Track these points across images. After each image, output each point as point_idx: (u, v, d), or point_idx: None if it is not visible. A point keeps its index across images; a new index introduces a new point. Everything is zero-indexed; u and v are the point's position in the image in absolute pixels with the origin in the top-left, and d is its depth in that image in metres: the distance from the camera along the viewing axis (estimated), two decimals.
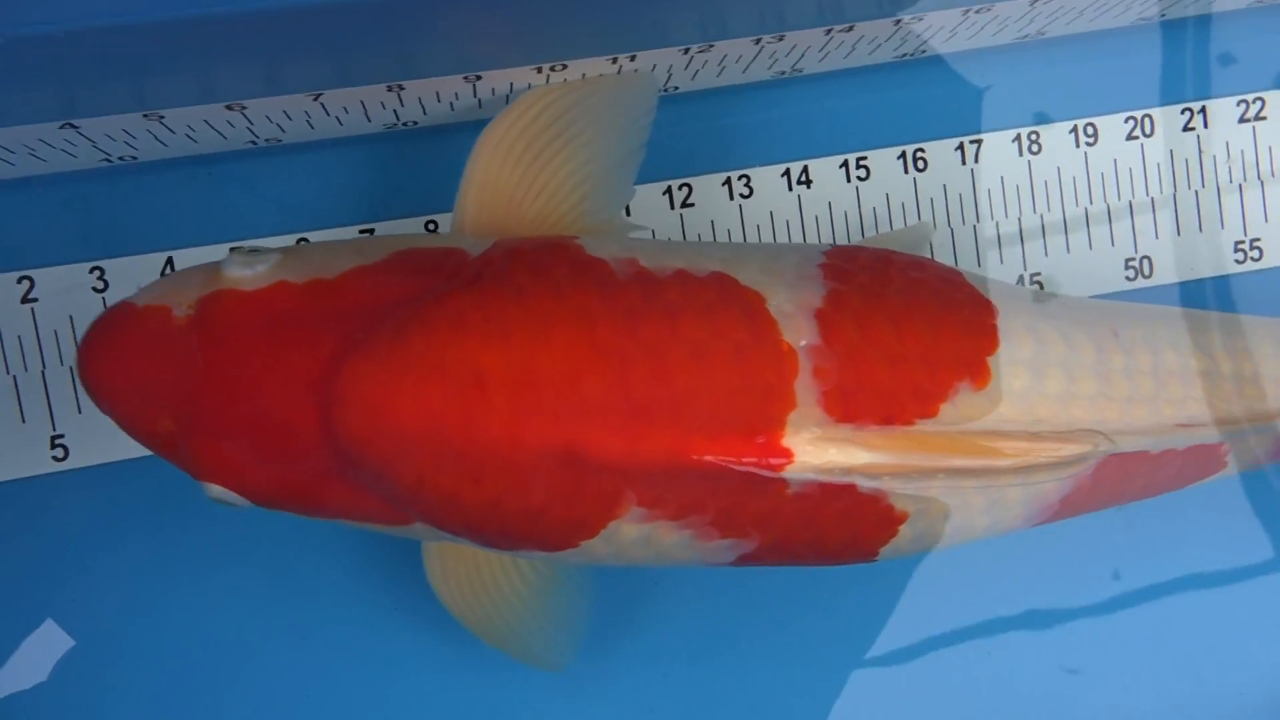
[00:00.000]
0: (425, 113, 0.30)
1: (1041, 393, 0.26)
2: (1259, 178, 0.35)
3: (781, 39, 0.28)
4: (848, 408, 0.25)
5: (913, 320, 0.26)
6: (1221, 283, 0.36)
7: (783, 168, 0.35)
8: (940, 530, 0.27)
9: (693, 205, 0.34)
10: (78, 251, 0.33)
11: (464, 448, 0.24)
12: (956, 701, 0.36)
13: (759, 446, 0.24)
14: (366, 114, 0.29)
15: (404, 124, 0.31)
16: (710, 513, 0.25)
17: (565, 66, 0.27)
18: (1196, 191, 0.35)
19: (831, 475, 0.25)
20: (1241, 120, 0.35)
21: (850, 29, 0.29)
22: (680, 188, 0.35)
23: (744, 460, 0.24)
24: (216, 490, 0.26)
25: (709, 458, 0.24)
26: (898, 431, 0.25)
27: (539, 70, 0.27)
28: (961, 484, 0.26)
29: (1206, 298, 0.36)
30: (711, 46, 0.28)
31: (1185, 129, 0.35)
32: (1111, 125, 0.35)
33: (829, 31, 0.29)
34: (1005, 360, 0.26)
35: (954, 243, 0.35)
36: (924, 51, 0.33)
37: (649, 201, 0.34)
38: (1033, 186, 0.35)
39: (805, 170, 0.35)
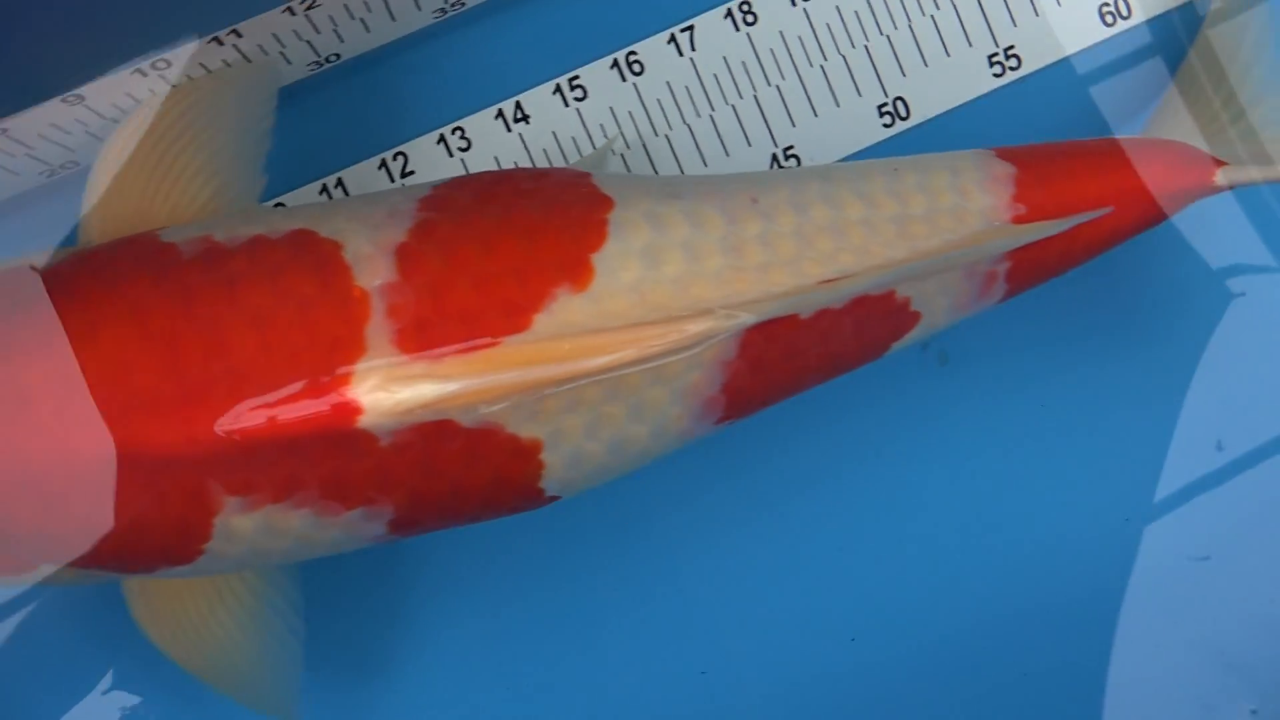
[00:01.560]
0: (73, 150, 0.28)
1: (657, 279, 0.25)
2: None
3: None
4: (425, 341, 0.23)
5: (509, 235, 0.25)
6: (989, 100, 0.34)
7: (495, 109, 0.33)
8: (594, 450, 0.25)
9: (413, 173, 0.33)
10: None
11: (27, 475, 0.23)
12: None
13: (324, 405, 0.23)
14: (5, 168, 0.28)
15: (64, 166, 0.30)
16: (314, 485, 0.24)
17: (169, 64, 0.26)
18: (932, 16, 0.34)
19: (414, 416, 0.23)
20: None
21: None
22: (395, 157, 0.33)
23: (311, 422, 0.23)
24: None
25: (272, 427, 0.23)
26: (477, 355, 0.23)
27: (143, 74, 0.26)
28: (575, 392, 0.24)
29: (978, 120, 0.34)
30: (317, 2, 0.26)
31: None
32: None
33: None
34: (613, 254, 0.25)
35: (695, 138, 0.33)
36: None
37: (369, 180, 0.33)
38: (760, 60, 0.34)
39: (518, 105, 0.33)
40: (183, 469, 0.23)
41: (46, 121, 0.26)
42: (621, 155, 0.33)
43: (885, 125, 0.34)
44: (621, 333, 0.24)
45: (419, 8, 0.29)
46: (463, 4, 0.31)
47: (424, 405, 0.23)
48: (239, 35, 0.26)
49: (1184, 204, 0.29)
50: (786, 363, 0.26)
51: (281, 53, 0.28)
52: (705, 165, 0.34)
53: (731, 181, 0.27)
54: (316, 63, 0.30)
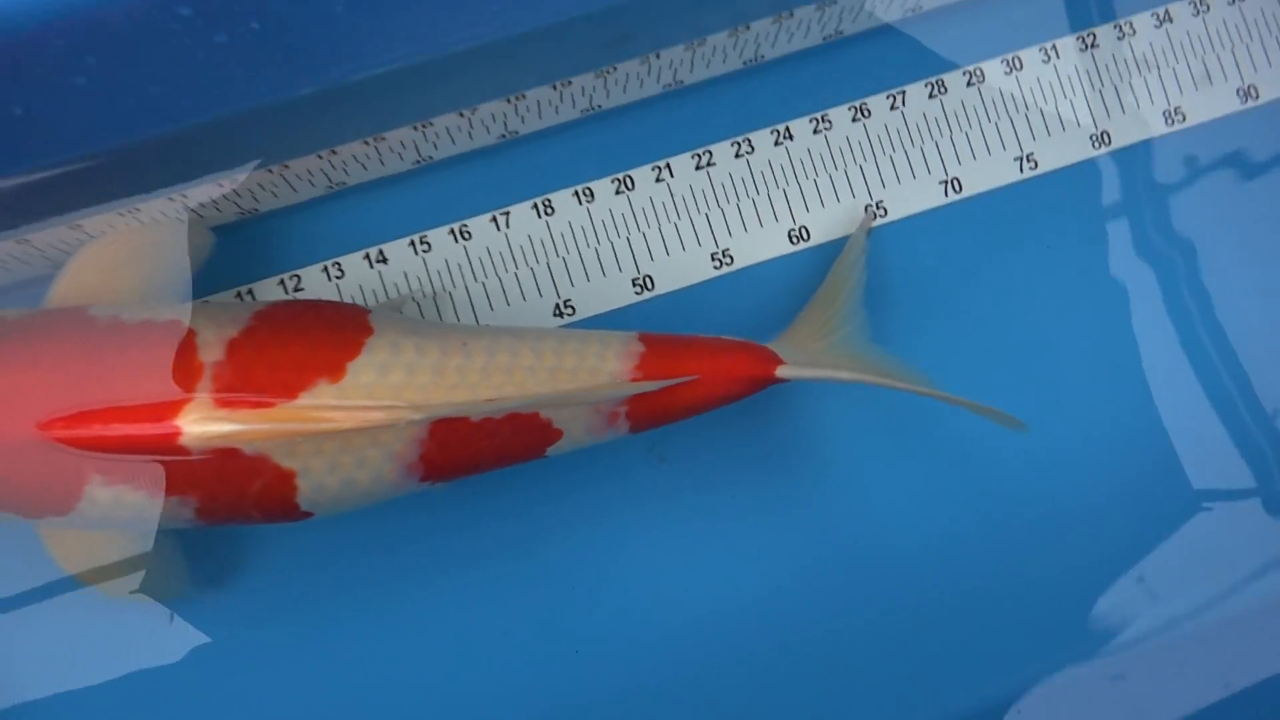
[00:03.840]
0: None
1: (383, 383, 0.38)
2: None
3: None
4: (230, 399, 0.37)
5: (300, 341, 0.38)
6: (711, 284, 0.49)
7: (364, 253, 0.47)
8: (331, 484, 0.38)
9: (303, 290, 0.47)
10: None
11: None
12: None
13: (161, 427, 0.36)
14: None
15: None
16: (149, 476, 0.37)
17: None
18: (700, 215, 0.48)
19: (213, 442, 0.36)
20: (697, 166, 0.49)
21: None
22: (291, 278, 0.47)
23: (148, 437, 0.36)
24: None
25: (128, 436, 0.36)
26: (257, 410, 0.37)
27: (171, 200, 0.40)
28: (318, 442, 0.37)
29: (703, 297, 0.49)
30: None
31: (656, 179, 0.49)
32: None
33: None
34: (361, 364, 0.38)
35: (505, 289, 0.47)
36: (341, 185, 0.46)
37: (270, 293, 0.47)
38: (554, 239, 0.48)
39: (381, 251, 0.47)
40: (69, 454, 0.36)
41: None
42: (451, 295, 0.47)
43: (636, 293, 0.48)
44: (343, 412, 0.37)
45: (313, 185, 0.44)
46: (344, 183, 0.45)
47: (220, 436, 0.36)
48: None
49: (758, 386, 0.42)
50: (464, 447, 0.39)
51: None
52: (509, 306, 0.48)
53: (460, 330, 0.40)
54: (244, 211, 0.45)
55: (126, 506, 0.38)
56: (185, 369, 0.37)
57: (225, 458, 0.37)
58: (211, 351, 0.37)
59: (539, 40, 0.38)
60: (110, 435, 0.36)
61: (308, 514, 0.39)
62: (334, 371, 0.37)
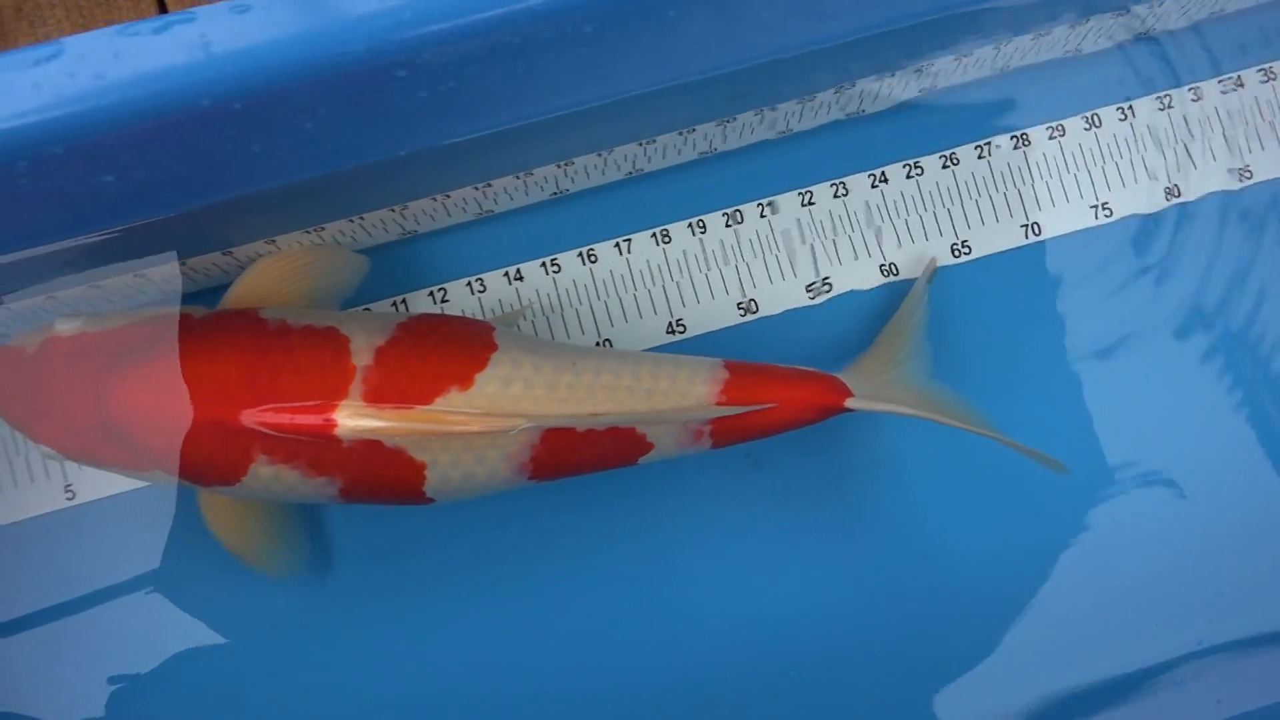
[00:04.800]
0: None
1: (504, 394, 0.43)
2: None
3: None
4: (378, 399, 0.42)
5: (435, 353, 0.43)
6: (803, 311, 0.54)
7: (502, 271, 0.53)
8: (453, 476, 0.43)
9: (448, 301, 0.53)
10: None
11: (163, 420, 0.42)
12: None
13: (319, 419, 0.42)
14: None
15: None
16: (305, 459, 0.42)
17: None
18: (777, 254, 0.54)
19: (361, 434, 0.42)
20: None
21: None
22: (439, 289, 0.53)
23: (309, 426, 0.42)
24: (44, 449, 0.44)
25: (291, 424, 0.42)
26: (399, 410, 0.42)
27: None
28: (446, 440, 0.42)
29: (794, 324, 0.54)
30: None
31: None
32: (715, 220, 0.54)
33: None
34: (487, 376, 0.43)
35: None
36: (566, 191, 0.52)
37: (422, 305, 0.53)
38: (669, 266, 0.54)
39: (519, 270, 0.53)
40: (242, 435, 0.42)
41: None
42: (577, 311, 0.53)
43: (740, 315, 0.54)
44: (468, 416, 0.42)
45: (465, 211, 0.50)
46: (493, 211, 0.52)
47: (368, 430, 0.42)
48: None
49: (829, 414, 0.46)
50: (569, 453, 0.44)
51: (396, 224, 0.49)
52: (626, 323, 0.53)
53: (569, 350, 0.45)
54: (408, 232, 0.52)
55: (283, 482, 0.44)
56: (340, 370, 0.43)
57: (369, 448, 0.42)
58: (362, 356, 0.43)
59: (671, 95, 0.43)
60: (277, 423, 0.42)
61: (431, 500, 0.45)
62: (464, 381, 0.43)
